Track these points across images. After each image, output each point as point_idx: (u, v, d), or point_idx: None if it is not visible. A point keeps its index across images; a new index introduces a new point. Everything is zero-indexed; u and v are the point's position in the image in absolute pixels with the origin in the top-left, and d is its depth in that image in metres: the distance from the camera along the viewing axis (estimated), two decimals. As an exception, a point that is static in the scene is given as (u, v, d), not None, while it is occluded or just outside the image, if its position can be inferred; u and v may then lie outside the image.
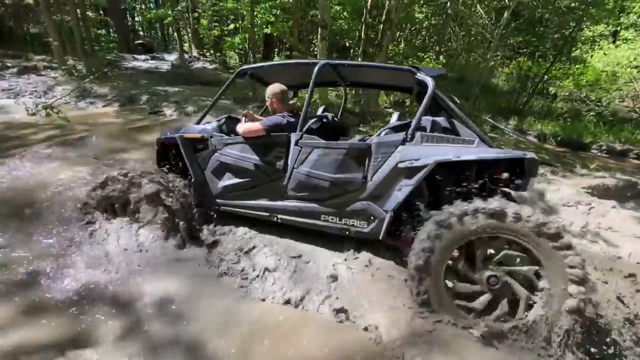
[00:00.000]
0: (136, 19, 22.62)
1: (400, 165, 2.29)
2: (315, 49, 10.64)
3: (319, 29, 6.93)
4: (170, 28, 21.24)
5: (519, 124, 9.21)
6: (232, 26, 11.53)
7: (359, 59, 9.57)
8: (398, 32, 9.73)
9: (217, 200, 2.99)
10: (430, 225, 2.04)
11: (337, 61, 2.91)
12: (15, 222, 2.87)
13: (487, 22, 8.62)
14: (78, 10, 9.35)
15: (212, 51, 15.17)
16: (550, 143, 8.30)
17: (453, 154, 2.18)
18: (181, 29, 14.62)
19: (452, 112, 2.52)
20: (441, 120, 2.55)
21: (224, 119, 3.32)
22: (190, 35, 15.62)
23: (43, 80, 8.57)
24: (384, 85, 3.55)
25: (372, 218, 2.44)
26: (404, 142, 2.35)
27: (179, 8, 13.72)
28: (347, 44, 11.32)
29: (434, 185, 2.43)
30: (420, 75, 2.47)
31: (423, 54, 8.94)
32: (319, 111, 3.36)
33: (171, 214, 2.78)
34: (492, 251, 2.01)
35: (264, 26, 10.46)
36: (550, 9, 9.97)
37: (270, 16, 10.46)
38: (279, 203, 2.74)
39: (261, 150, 2.73)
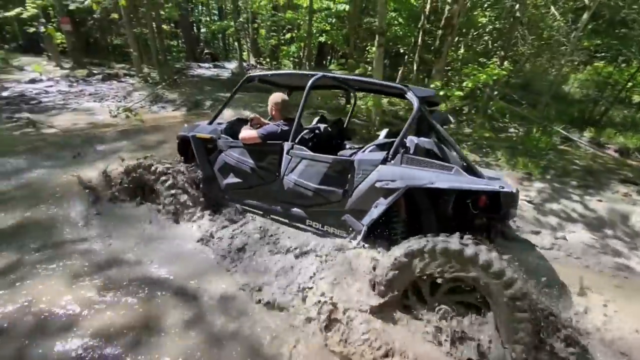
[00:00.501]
0: (202, 30, 24.44)
1: (378, 184, 2.38)
2: (369, 56, 10.59)
3: (376, 36, 6.87)
4: (231, 38, 22.66)
5: (596, 136, 8.23)
6: (288, 35, 11.95)
7: (414, 66, 9.32)
8: (457, 37, 9.31)
9: (224, 194, 3.33)
10: (388, 258, 2.10)
11: (332, 74, 3.19)
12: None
13: (562, 24, 7.89)
14: (154, 24, 10.32)
15: (268, 59, 15.86)
16: (635, 159, 7.29)
17: (427, 180, 2.23)
18: (241, 39, 15.45)
19: (439, 135, 2.51)
20: (426, 142, 2.54)
21: (233, 121, 3.55)
22: (249, 44, 16.50)
23: (123, 86, 9.61)
24: (384, 92, 3.68)
25: (350, 229, 2.59)
26: (384, 161, 2.44)
27: (240, 19, 14.55)
28: (402, 50, 11.09)
29: (415, 206, 2.52)
30: (408, 95, 2.49)
31: (485, 60, 8.43)
32: (314, 122, 3.54)
33: (176, 198, 3.26)
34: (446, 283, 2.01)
35: (319, 34, 10.68)
36: (637, 9, 8.83)
37: (326, 25, 10.64)
38: (272, 204, 3.00)
39: (257, 156, 3.02)
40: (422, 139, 2.58)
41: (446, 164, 2.35)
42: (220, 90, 10.72)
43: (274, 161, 2.91)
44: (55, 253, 2.79)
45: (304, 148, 2.82)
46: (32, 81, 9.81)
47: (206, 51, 18.62)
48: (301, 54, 12.59)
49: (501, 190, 2.15)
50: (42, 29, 10.98)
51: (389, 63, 11.71)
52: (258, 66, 15.45)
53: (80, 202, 3.45)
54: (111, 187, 3.62)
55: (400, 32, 10.12)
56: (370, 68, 9.25)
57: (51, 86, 9.44)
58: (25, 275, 2.53)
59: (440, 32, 7.97)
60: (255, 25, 13.26)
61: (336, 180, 2.62)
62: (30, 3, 14.21)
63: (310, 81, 2.82)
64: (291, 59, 13.90)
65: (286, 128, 2.97)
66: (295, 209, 2.88)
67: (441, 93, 5.97)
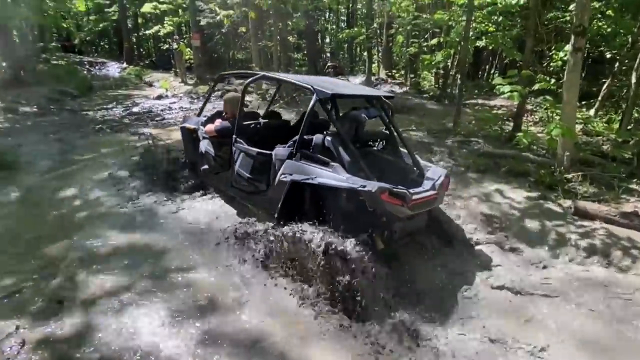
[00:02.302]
0: (326, 40, 26.92)
1: (281, 177, 3.52)
2: (554, 63, 9.49)
3: (571, 37, 6.03)
4: (359, 48, 24.14)
5: None
6: (434, 41, 11.87)
7: (632, 78, 7.83)
8: None
9: (202, 177, 4.98)
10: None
11: (272, 74, 4.87)
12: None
13: None
14: (279, 37, 11.78)
15: (403, 71, 16.09)
16: None
17: (308, 175, 3.32)
18: (372, 48, 16.18)
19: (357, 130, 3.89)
20: (326, 140, 3.56)
21: (213, 114, 5.03)
22: (380, 54, 17.18)
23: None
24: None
25: (273, 214, 3.69)
26: (290, 156, 3.56)
27: (374, 26, 15.33)
28: (608, 55, 9.60)
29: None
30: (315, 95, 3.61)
31: None
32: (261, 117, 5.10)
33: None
34: None
35: (476, 38, 10.20)
36: None
37: (489, 25, 10.12)
38: (229, 189, 4.48)
39: (216, 147, 4.49)
40: (319, 135, 3.67)
41: (329, 161, 3.35)
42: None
43: (227, 152, 4.38)
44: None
45: (242, 141, 4.15)
46: (159, 97, 12.32)
47: (329, 64, 20.22)
48: (449, 63, 12.29)
49: (357, 188, 3.08)
50: (175, 45, 13.92)
51: (585, 73, 10.27)
52: (389, 80, 15.81)
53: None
54: None
55: (608, 29, 8.80)
56: (552, 80, 8.22)
57: (174, 102, 11.64)
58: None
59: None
60: (392, 30, 13.72)
61: (262, 171, 3.93)
62: (168, 20, 18.48)
63: (249, 80, 4.69)
64: (434, 70, 13.73)
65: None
66: (240, 192, 4.33)
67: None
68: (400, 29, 13.72)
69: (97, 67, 19.58)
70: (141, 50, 25.41)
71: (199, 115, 5.23)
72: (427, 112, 10.84)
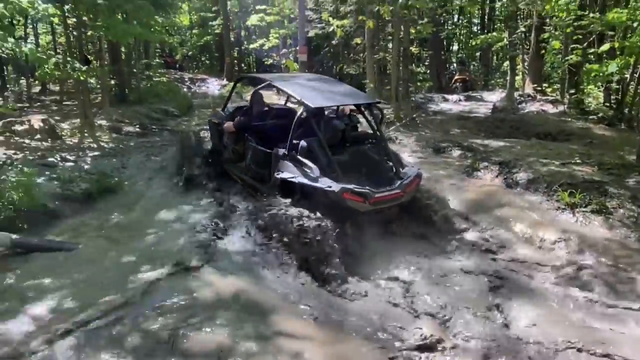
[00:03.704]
0: (453, 48, 26.62)
1: (275, 174, 5.51)
2: None
3: None
4: (496, 57, 23.34)
5: None
6: (605, 47, 10.92)
7: None
8: None
9: (223, 165, 7.21)
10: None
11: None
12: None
13: None
14: (401, 47, 11.96)
15: (557, 86, 15.04)
16: None
17: (292, 175, 5.24)
18: (516, 57, 15.53)
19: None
20: (309, 144, 5.57)
21: (234, 109, 7.30)
22: (526, 64, 16.35)
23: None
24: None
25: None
26: (283, 157, 5.46)
27: (521, 29, 14.74)
28: None
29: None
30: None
31: None
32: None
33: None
34: None
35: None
36: None
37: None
38: (245, 175, 6.53)
39: (234, 141, 6.75)
40: (307, 139, 5.56)
41: (308, 164, 5.12)
42: (475, 134, 10.91)
43: (242, 146, 6.55)
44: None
45: (252, 139, 6.27)
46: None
47: (457, 77, 19.85)
48: (627, 75, 11.18)
49: (324, 188, 4.88)
50: (283, 60, 15.02)
51: None
52: (538, 97, 14.87)
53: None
54: None
55: None
56: None
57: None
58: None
59: None
60: (546, 35, 12.96)
61: (264, 165, 5.91)
62: (273, 33, 20.15)
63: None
64: (604, 85, 12.59)
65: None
66: (251, 180, 6.33)
67: None
68: (556, 33, 12.92)
69: (197, 84, 22.07)
70: (242, 65, 27.97)
71: (222, 110, 7.57)
72: (596, 140, 10.00)
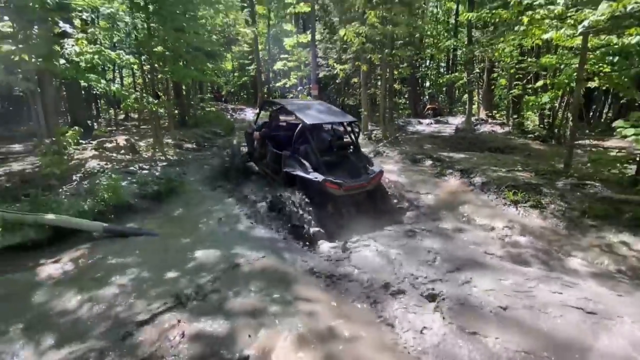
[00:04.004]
0: (425, 84, 26.44)
1: (284, 169, 6.10)
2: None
3: None
4: (458, 91, 23.14)
5: None
6: (539, 83, 10.81)
7: None
8: None
9: (255, 162, 7.94)
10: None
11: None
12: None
13: None
14: (387, 85, 11.93)
15: (504, 112, 14.89)
16: None
17: (293, 170, 5.82)
18: (473, 91, 15.38)
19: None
20: (305, 149, 6.02)
21: (264, 121, 7.99)
22: (480, 96, 16.21)
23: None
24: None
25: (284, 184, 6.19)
26: (289, 157, 6.04)
27: (476, 70, 14.61)
28: None
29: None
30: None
31: None
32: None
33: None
34: None
35: (589, 78, 8.98)
36: None
37: (604, 66, 8.87)
38: (265, 168, 7.21)
39: (260, 145, 7.41)
40: (304, 146, 6.05)
41: (303, 162, 5.74)
42: (442, 149, 10.77)
43: (265, 149, 7.11)
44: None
45: (270, 144, 6.93)
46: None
47: (428, 106, 19.71)
48: (556, 104, 11.04)
49: (312, 179, 5.41)
50: (300, 95, 15.03)
51: None
52: (489, 120, 14.75)
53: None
54: None
55: None
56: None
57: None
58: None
59: None
60: (495, 74, 12.88)
61: (278, 162, 6.37)
62: (293, 75, 20.20)
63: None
64: (538, 111, 12.44)
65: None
66: (270, 172, 6.93)
67: None
68: (503, 73, 12.81)
69: (237, 112, 22.09)
70: (271, 99, 28.01)
71: (254, 124, 8.26)
72: (533, 152, 9.78)
